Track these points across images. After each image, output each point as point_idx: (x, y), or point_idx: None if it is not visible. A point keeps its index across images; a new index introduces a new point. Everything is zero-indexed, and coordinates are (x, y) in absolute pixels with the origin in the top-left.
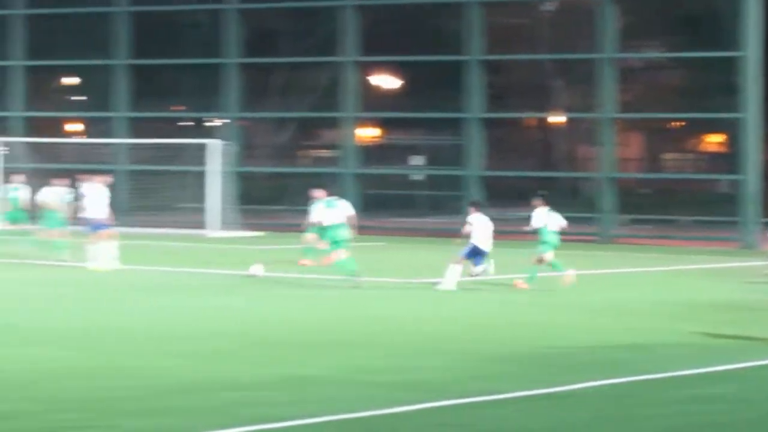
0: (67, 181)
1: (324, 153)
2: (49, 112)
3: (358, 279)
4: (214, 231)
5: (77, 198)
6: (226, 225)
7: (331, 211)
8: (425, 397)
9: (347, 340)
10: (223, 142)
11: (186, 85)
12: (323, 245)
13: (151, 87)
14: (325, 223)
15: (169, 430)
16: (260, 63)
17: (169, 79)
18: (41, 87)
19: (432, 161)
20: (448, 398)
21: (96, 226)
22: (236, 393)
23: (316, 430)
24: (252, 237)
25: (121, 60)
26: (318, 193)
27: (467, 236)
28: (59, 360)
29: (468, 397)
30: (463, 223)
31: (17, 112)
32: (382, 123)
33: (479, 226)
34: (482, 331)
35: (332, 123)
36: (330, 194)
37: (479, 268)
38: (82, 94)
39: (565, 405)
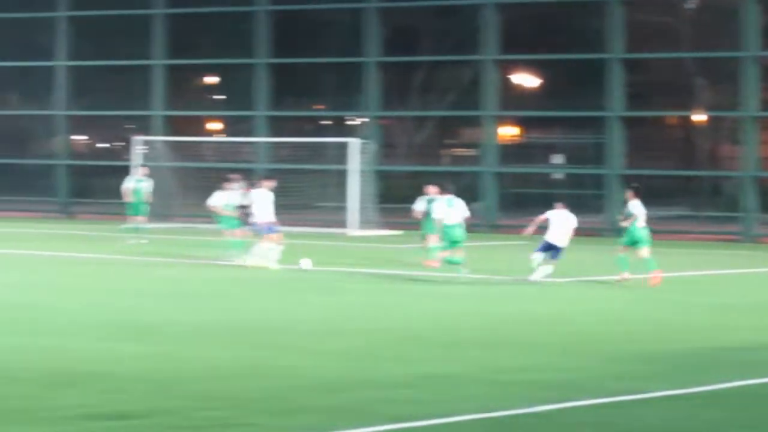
0: (239, 185)
1: (463, 152)
2: (190, 111)
3: (463, 275)
4: (353, 230)
5: (245, 202)
6: (365, 224)
7: (450, 209)
8: (564, 396)
9: (487, 339)
10: (363, 141)
11: (326, 83)
12: (434, 241)
13: (291, 86)
14: (445, 222)
15: (309, 429)
16: (400, 62)
17: (309, 78)
18: (182, 86)
19: (572, 160)
20: (587, 398)
21: (265, 229)
22: (377, 391)
23: (455, 429)
24: (390, 236)
25: (262, 59)
26: (432, 189)
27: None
28: (206, 359)
29: (606, 396)
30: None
31: (158, 111)
32: (522, 121)
33: (556, 222)
34: (619, 329)
35: (472, 121)
36: (445, 192)
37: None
38: (222, 93)
39: (705, 405)
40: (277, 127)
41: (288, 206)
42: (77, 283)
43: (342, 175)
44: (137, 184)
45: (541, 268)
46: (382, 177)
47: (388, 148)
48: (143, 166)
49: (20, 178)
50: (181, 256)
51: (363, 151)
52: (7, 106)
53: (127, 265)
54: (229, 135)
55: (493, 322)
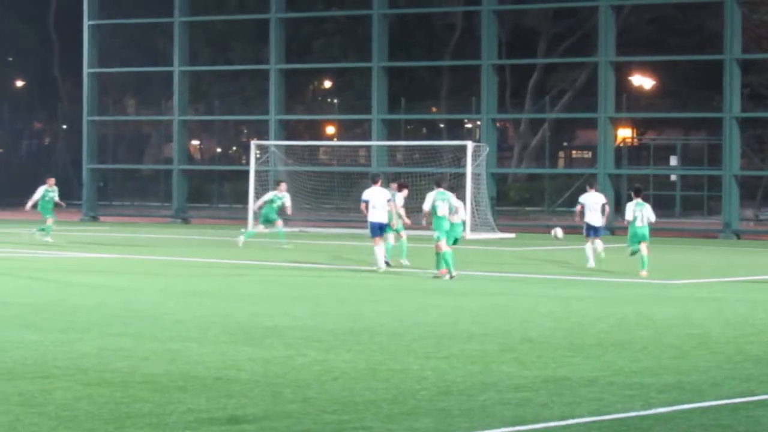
0: (396, 186)
1: (578, 154)
2: (306, 115)
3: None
4: (468, 232)
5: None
6: (480, 226)
7: (442, 204)
8: (680, 398)
9: (603, 341)
10: (478, 144)
11: (442, 86)
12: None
13: (407, 89)
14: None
15: None
16: (516, 64)
17: (425, 81)
18: (297, 90)
19: (688, 161)
20: (703, 400)
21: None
22: (493, 394)
23: None
24: (504, 239)
25: (378, 62)
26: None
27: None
28: (321, 363)
29: (723, 399)
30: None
31: (274, 116)
32: (638, 123)
33: (589, 205)
34: (736, 331)
35: (587, 123)
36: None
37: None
38: (337, 97)
39: None
40: (393, 130)
41: (405, 208)
42: (197, 288)
43: (457, 178)
44: (277, 201)
45: (589, 251)
46: (498, 179)
47: (503, 150)
48: (282, 182)
49: (137, 183)
50: (320, 261)
51: (478, 154)
52: (125, 112)
53: (252, 270)
54: (344, 139)
55: (609, 324)
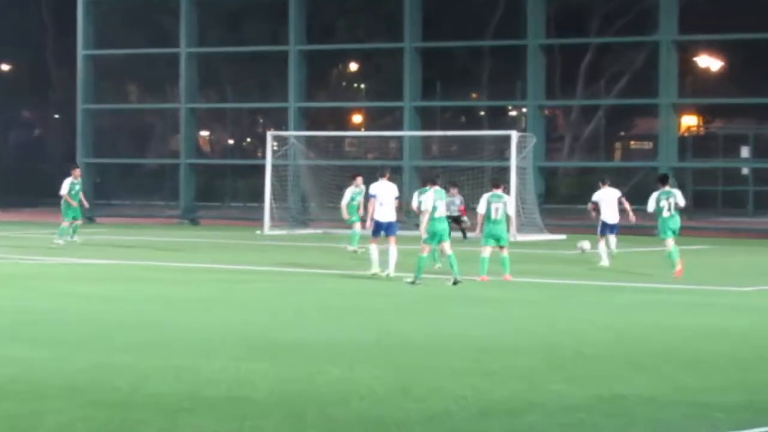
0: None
1: (637, 145)
2: (329, 102)
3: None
4: (512, 234)
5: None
6: (525, 226)
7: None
8: (754, 420)
9: (667, 355)
10: (523, 134)
11: (483, 69)
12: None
13: (443, 73)
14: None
15: None
16: (568, 44)
17: (463, 64)
18: (320, 75)
19: (762, 153)
20: None
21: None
22: (543, 416)
23: None
24: (552, 241)
25: (411, 43)
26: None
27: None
28: (346, 381)
29: None
30: None
31: (294, 103)
32: (704, 110)
33: (604, 201)
34: None
35: (647, 111)
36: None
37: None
38: (366, 82)
39: None
40: (427, 119)
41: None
42: (207, 297)
43: (500, 172)
44: (356, 197)
45: (603, 250)
46: (546, 173)
47: (552, 141)
48: (358, 175)
49: (139, 179)
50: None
51: (523, 145)
52: (125, 99)
53: (269, 276)
54: (373, 129)
55: (672, 336)
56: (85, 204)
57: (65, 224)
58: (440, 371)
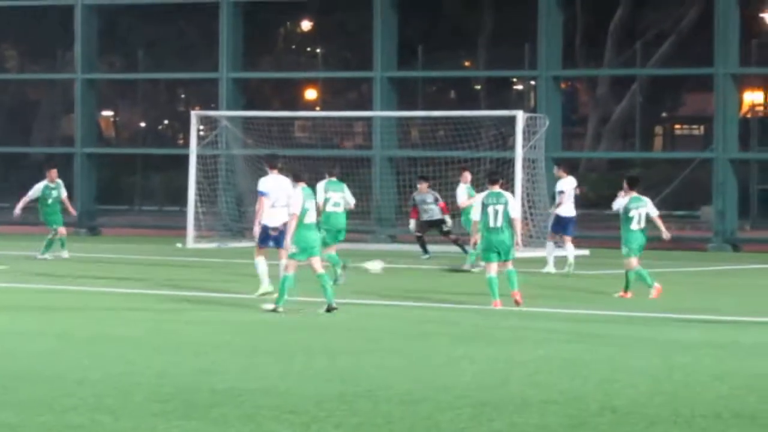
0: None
1: (684, 129)
2: (274, 72)
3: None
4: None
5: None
6: (535, 240)
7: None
8: None
9: (722, 409)
10: (533, 115)
11: (479, 28)
12: None
13: (427, 33)
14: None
15: None
16: None
17: (455, 20)
18: (262, 35)
19: None
20: None
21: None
22: None
23: None
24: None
25: None
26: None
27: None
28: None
29: None
30: None
31: (226, 73)
32: None
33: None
34: None
35: (698, 84)
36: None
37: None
38: (323, 45)
39: None
40: (406, 94)
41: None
42: (115, 332)
43: (502, 165)
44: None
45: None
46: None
47: (571, 124)
48: (424, 179)
49: (21, 174)
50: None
51: (533, 130)
52: (2, 68)
53: (196, 305)
54: (332, 108)
55: (730, 386)
56: (72, 211)
57: (53, 234)
58: (425, 431)
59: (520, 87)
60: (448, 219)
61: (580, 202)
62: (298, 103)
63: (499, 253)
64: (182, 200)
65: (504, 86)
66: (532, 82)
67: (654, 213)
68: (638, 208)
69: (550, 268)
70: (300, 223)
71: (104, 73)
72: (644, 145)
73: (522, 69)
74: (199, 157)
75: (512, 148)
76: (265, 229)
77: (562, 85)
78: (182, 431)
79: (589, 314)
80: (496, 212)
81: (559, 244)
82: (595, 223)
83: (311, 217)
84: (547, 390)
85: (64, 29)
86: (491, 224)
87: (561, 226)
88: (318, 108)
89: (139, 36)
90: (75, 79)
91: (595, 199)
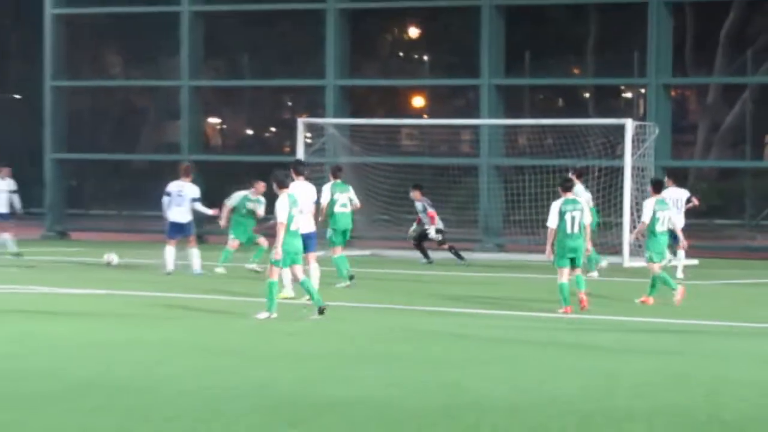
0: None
1: None
2: (380, 79)
3: None
4: (624, 258)
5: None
6: (644, 248)
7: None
8: None
9: None
10: (643, 123)
11: (586, 36)
12: None
13: (533, 40)
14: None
15: None
16: (702, 0)
17: (562, 27)
18: (370, 42)
19: None
20: None
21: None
22: None
23: None
24: (687, 267)
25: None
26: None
27: None
28: None
29: None
30: None
31: (332, 80)
32: None
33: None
34: None
35: None
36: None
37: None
38: (429, 52)
39: None
40: (513, 102)
41: (521, 221)
42: (217, 343)
43: (610, 174)
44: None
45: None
46: (672, 176)
47: (679, 132)
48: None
49: (127, 182)
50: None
51: (642, 138)
52: (107, 74)
53: (297, 315)
54: (439, 115)
55: None
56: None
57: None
58: None
59: (629, 95)
60: (431, 230)
61: (688, 212)
62: (405, 111)
63: (572, 260)
64: None
65: (612, 94)
66: (642, 90)
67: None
68: (663, 210)
69: (680, 273)
70: (286, 230)
71: (210, 80)
72: (755, 153)
73: (631, 77)
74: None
75: (621, 156)
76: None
77: (672, 93)
78: None
79: (694, 325)
80: (573, 219)
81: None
82: (706, 232)
83: (296, 224)
84: (653, 401)
85: (170, 36)
86: (569, 230)
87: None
88: (425, 115)
89: (244, 42)
90: (180, 86)
91: (705, 210)
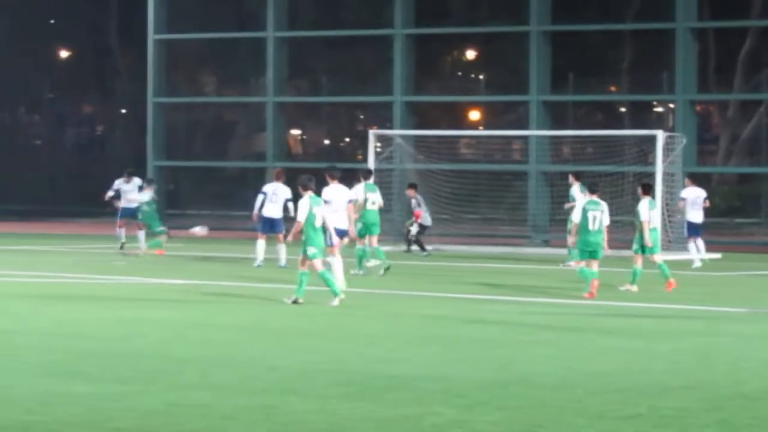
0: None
1: None
2: (441, 96)
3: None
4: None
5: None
6: (673, 244)
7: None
8: None
9: None
10: (671, 134)
11: (622, 58)
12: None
13: (576, 61)
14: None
15: None
16: (724, 28)
17: (600, 51)
18: (432, 63)
19: None
20: None
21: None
22: None
23: None
24: (705, 261)
25: (537, 26)
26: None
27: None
28: (467, 423)
29: None
30: None
31: (399, 97)
32: None
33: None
34: None
35: None
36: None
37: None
38: (485, 72)
39: None
40: (558, 116)
41: (565, 220)
42: (297, 325)
43: (643, 179)
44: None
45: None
46: (698, 181)
47: (705, 143)
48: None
49: (218, 186)
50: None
51: (671, 147)
52: (201, 92)
53: (367, 301)
54: (493, 127)
55: None
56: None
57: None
58: (573, 414)
59: (659, 109)
60: (413, 227)
61: (711, 211)
62: (463, 123)
63: (592, 253)
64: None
65: (645, 109)
66: (671, 105)
67: (606, 220)
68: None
69: (697, 263)
70: (311, 227)
71: (292, 97)
72: None
73: (661, 93)
74: (376, 170)
75: (653, 163)
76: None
77: (697, 108)
78: (361, 412)
79: (718, 311)
80: (594, 217)
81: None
82: (727, 230)
83: (319, 222)
84: (685, 377)
85: (257, 58)
86: (591, 227)
87: (693, 230)
88: (480, 127)
89: (323, 64)
90: (266, 102)
91: (726, 209)
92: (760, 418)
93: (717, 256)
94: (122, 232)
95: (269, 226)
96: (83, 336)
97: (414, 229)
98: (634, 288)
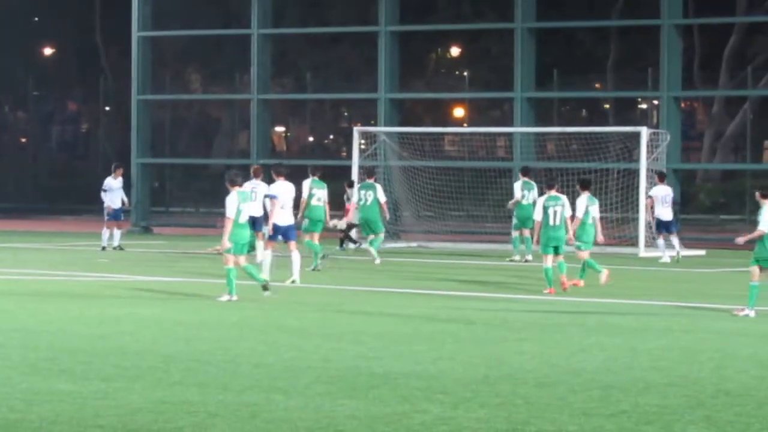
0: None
1: None
2: (427, 93)
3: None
4: (642, 249)
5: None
6: (656, 241)
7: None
8: None
9: None
10: (655, 131)
11: (607, 54)
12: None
13: (560, 58)
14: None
15: None
16: (707, 24)
17: (584, 47)
18: (415, 60)
19: None
20: None
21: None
22: None
23: None
24: (690, 257)
25: (522, 23)
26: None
27: None
28: (453, 420)
29: None
30: None
31: (384, 94)
32: None
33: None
34: None
35: None
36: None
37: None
38: (470, 69)
39: None
40: (542, 112)
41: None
42: (283, 322)
43: (628, 176)
44: None
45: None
46: (682, 178)
47: (689, 140)
48: None
49: (203, 183)
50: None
51: (656, 144)
52: (187, 89)
53: (354, 298)
54: (477, 124)
55: None
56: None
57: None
58: (557, 411)
59: (644, 106)
60: (340, 222)
61: (695, 208)
62: (448, 120)
63: (555, 248)
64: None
65: (630, 105)
66: (655, 102)
67: (568, 212)
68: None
69: (666, 258)
70: (235, 223)
71: (276, 94)
72: (754, 157)
73: (646, 90)
74: (360, 167)
75: (637, 160)
76: (275, 227)
77: (682, 105)
78: (346, 409)
79: (702, 308)
80: (555, 213)
81: (668, 242)
82: (711, 227)
83: (244, 218)
84: (668, 374)
85: (242, 55)
86: (551, 222)
87: (661, 227)
88: (465, 124)
89: (307, 61)
90: (251, 99)
91: (709, 205)
92: (743, 414)
93: (701, 252)
94: (108, 234)
95: (250, 224)
96: (67, 333)
97: (341, 225)
98: (581, 283)
